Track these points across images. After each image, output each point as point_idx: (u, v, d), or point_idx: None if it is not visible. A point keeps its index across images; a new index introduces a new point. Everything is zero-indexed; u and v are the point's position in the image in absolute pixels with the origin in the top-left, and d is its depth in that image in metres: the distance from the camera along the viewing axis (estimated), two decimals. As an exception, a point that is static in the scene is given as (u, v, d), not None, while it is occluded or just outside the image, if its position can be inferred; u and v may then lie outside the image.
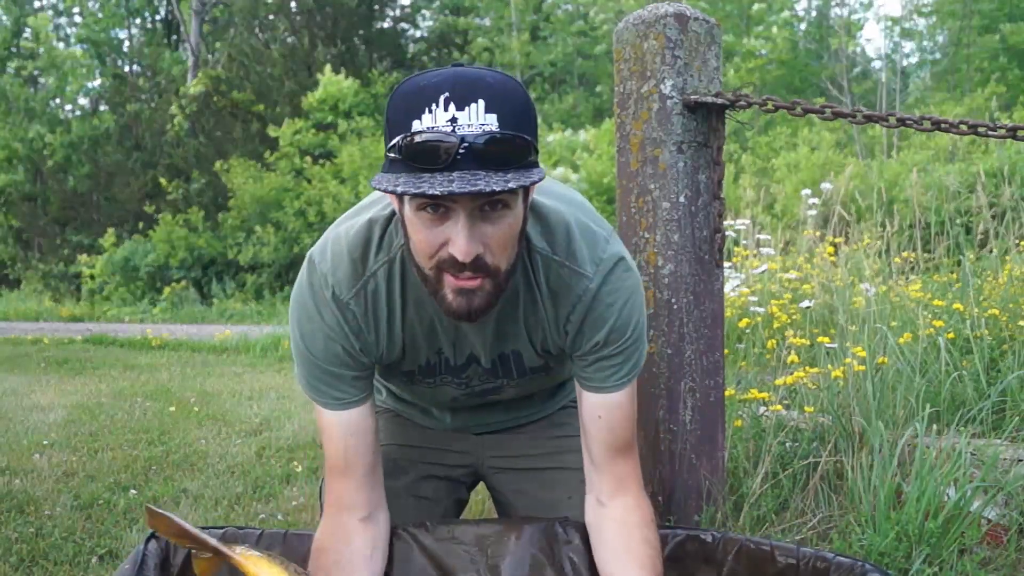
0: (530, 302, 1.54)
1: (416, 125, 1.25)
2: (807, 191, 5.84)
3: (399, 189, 1.22)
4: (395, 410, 1.97)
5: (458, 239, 1.29)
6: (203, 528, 1.64)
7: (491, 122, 1.25)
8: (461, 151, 1.23)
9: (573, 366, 1.62)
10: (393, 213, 1.51)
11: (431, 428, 1.94)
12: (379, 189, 1.25)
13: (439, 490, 1.94)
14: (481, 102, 1.25)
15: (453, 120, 1.24)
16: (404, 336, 1.56)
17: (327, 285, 1.50)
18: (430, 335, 1.58)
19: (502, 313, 1.54)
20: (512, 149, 1.25)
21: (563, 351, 1.60)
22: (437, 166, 1.23)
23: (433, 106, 1.25)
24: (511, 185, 1.21)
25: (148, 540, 1.55)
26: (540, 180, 1.27)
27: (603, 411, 1.60)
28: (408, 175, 1.25)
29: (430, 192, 1.21)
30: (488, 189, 1.20)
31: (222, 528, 1.64)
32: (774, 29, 22.27)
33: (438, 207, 1.29)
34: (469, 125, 1.24)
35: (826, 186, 5.48)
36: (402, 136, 1.26)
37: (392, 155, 1.28)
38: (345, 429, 1.57)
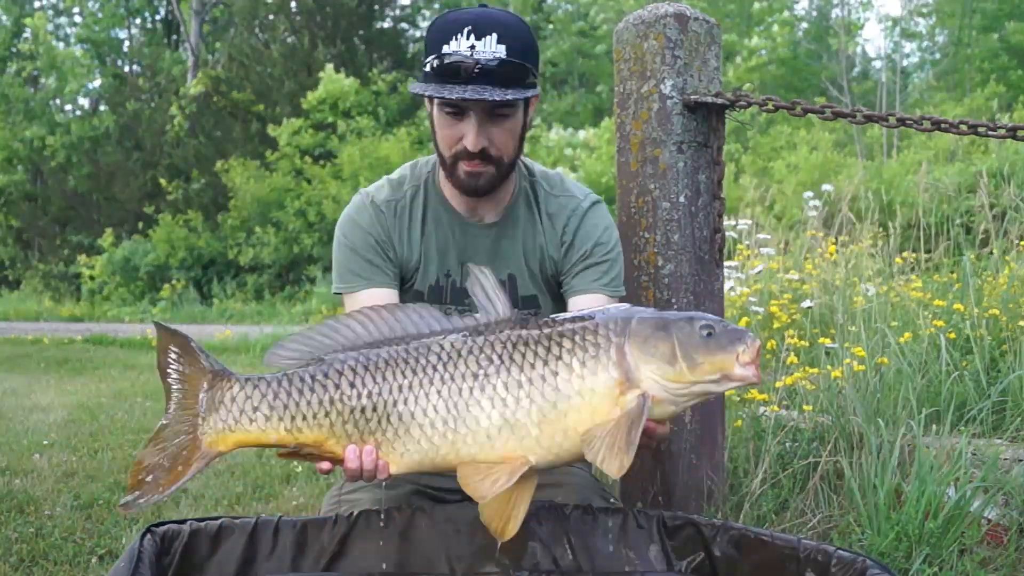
0: (529, 224, 1.97)
1: (444, 48, 1.74)
2: (809, 193, 5.83)
3: (428, 92, 1.76)
4: None
5: (470, 134, 1.79)
6: (200, 520, 1.64)
7: (501, 51, 1.73)
8: (476, 70, 1.72)
9: (564, 287, 1.96)
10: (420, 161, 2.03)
11: None
12: (414, 92, 1.77)
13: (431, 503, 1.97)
14: (495, 35, 1.73)
15: (472, 47, 1.72)
16: (422, 245, 1.95)
17: (368, 197, 1.98)
18: (443, 249, 1.95)
19: (504, 232, 1.96)
20: (514, 71, 1.74)
21: (551, 279, 1.97)
22: (458, 80, 1.73)
23: (458, 35, 1.73)
24: (508, 97, 1.71)
25: (144, 536, 1.55)
26: (535, 96, 1.79)
27: (586, 304, 1.85)
28: (436, 85, 1.75)
29: (449, 96, 1.73)
30: (491, 99, 1.71)
31: (218, 519, 1.65)
32: (775, 28, 22.26)
33: (457, 111, 1.78)
34: (483, 51, 1.72)
35: (827, 187, 5.48)
36: (434, 56, 1.75)
37: (426, 70, 1.78)
38: (368, 296, 1.87)
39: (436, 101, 1.81)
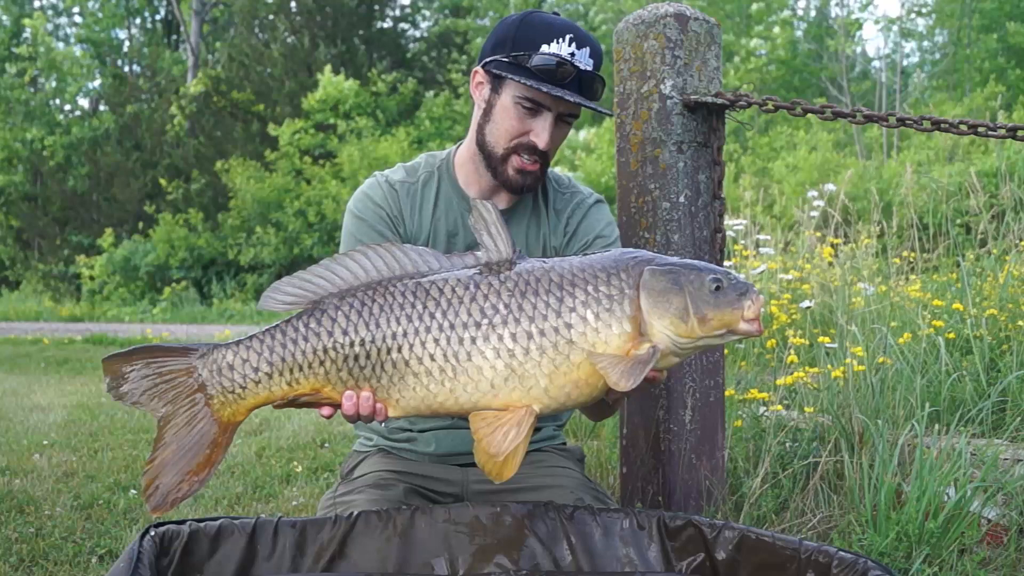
0: (536, 217, 2.04)
1: (545, 48, 1.82)
2: (813, 192, 5.83)
3: (533, 85, 1.81)
4: (385, 447, 2.08)
5: (543, 133, 1.86)
6: (200, 520, 1.64)
7: (591, 64, 1.86)
8: (571, 77, 1.82)
9: None
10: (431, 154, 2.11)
11: (417, 460, 2.04)
12: (505, 75, 1.85)
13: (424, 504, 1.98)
14: (588, 48, 1.86)
15: (572, 54, 1.83)
16: (432, 226, 2.00)
17: (382, 177, 2.04)
18: (452, 231, 2.00)
19: (511, 220, 2.00)
20: (598, 85, 1.88)
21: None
22: (556, 80, 1.82)
23: (560, 40, 1.83)
24: (593, 105, 1.85)
25: (143, 536, 1.55)
26: (606, 110, 1.93)
27: None
28: (528, 79, 1.82)
29: (551, 92, 1.80)
30: (589, 104, 1.84)
31: (217, 519, 1.65)
32: (776, 29, 22.25)
33: (535, 107, 1.85)
34: (583, 62, 1.84)
35: (830, 187, 5.48)
36: (529, 52, 1.83)
37: (507, 60, 1.85)
38: None
39: (512, 92, 1.87)
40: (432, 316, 1.44)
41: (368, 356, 1.46)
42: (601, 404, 1.71)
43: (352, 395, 1.48)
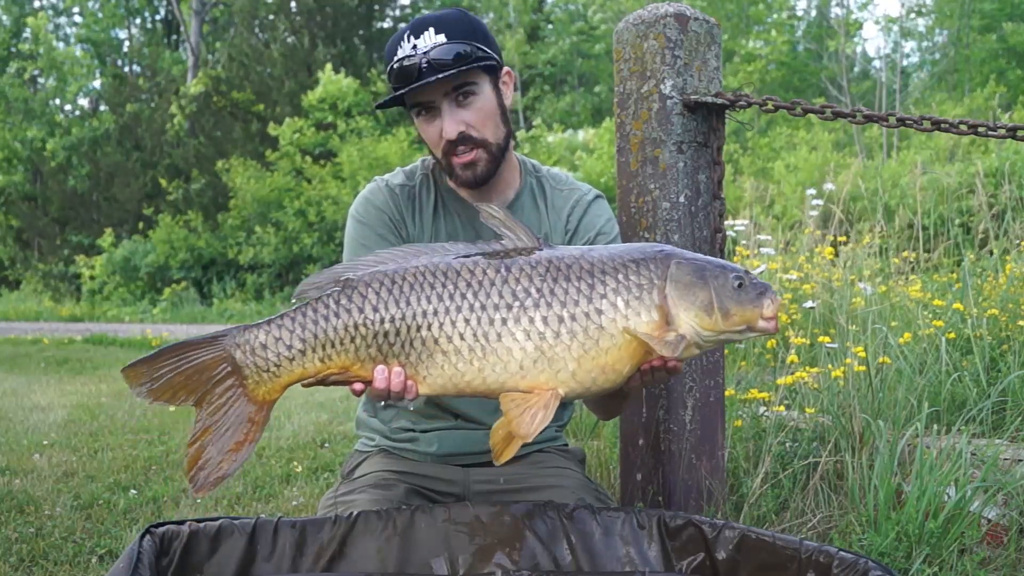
0: (535, 215, 2.02)
1: (394, 59, 1.85)
2: (812, 191, 5.83)
3: (377, 103, 1.90)
4: (387, 448, 2.08)
5: (446, 124, 1.84)
6: (199, 520, 1.64)
7: (440, 40, 1.81)
8: (424, 65, 1.80)
9: None
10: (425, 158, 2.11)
11: (419, 461, 2.04)
12: (376, 106, 1.90)
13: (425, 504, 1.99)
14: (431, 28, 1.83)
15: (414, 47, 1.82)
16: (433, 228, 2.00)
17: (383, 181, 2.03)
18: (452, 234, 2.00)
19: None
20: (461, 51, 1.81)
21: None
22: (411, 81, 1.81)
23: (402, 42, 1.85)
24: (442, 75, 1.77)
25: (143, 537, 1.55)
26: (498, 70, 1.88)
27: None
28: (393, 91, 1.85)
29: (398, 93, 1.83)
30: (440, 78, 1.78)
31: (217, 519, 1.65)
32: (772, 32, 22.25)
33: (428, 109, 1.87)
34: (425, 46, 1.81)
35: (829, 186, 5.48)
36: (389, 70, 1.86)
37: (391, 85, 1.86)
38: None
39: (412, 111, 1.90)
40: (463, 296, 1.46)
41: (398, 333, 1.47)
42: (610, 400, 1.73)
43: (383, 370, 1.48)
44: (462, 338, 1.45)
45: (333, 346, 1.49)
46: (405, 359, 1.48)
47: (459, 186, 1.96)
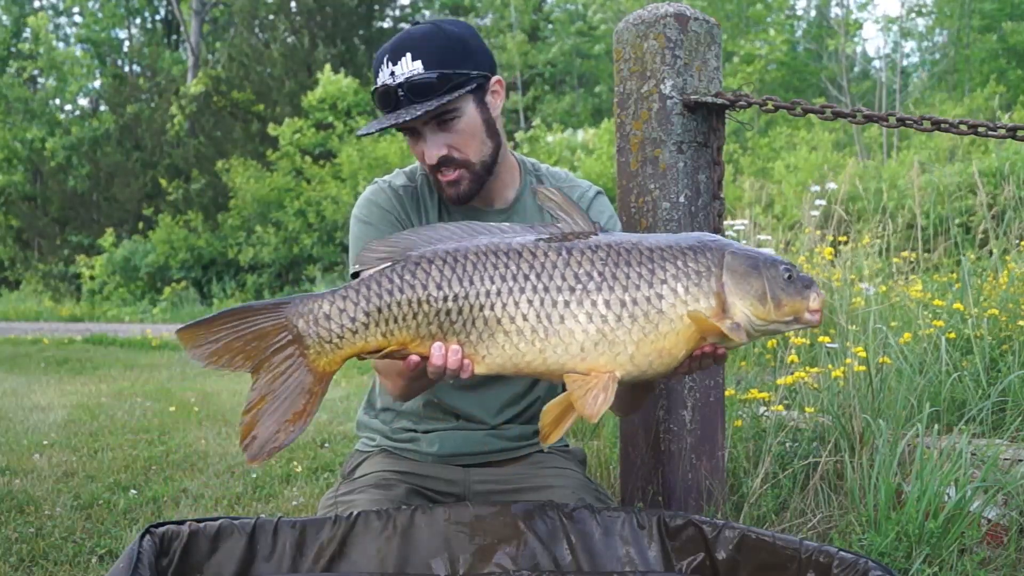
0: (537, 214, 2.00)
1: (376, 83, 1.86)
2: (815, 187, 5.82)
3: (359, 132, 1.90)
4: (388, 448, 2.08)
5: (429, 149, 1.86)
6: (199, 520, 1.64)
7: (417, 67, 1.80)
8: (401, 93, 1.81)
9: None
10: None
11: (419, 461, 2.04)
12: (360, 135, 1.94)
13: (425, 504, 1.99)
14: (408, 54, 1.81)
15: (392, 74, 1.82)
16: None
17: (385, 182, 2.03)
18: None
19: (513, 218, 1.99)
20: (435, 83, 1.80)
21: None
22: (390, 108, 1.84)
23: (382, 67, 1.85)
24: (418, 113, 1.78)
25: (143, 537, 1.55)
26: (461, 90, 1.81)
27: None
28: (380, 119, 1.87)
29: (374, 129, 1.84)
30: (404, 120, 1.78)
31: (217, 519, 1.65)
32: (771, 32, 22.25)
33: (411, 133, 1.88)
34: (402, 74, 1.81)
35: (831, 186, 5.48)
36: (372, 93, 1.88)
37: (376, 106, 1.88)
38: None
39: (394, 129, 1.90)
40: (527, 277, 1.47)
41: (460, 312, 1.48)
42: (639, 393, 1.77)
43: (441, 347, 1.48)
44: (525, 319, 1.46)
45: (396, 321, 1.49)
46: (465, 338, 1.49)
47: (447, 201, 1.96)
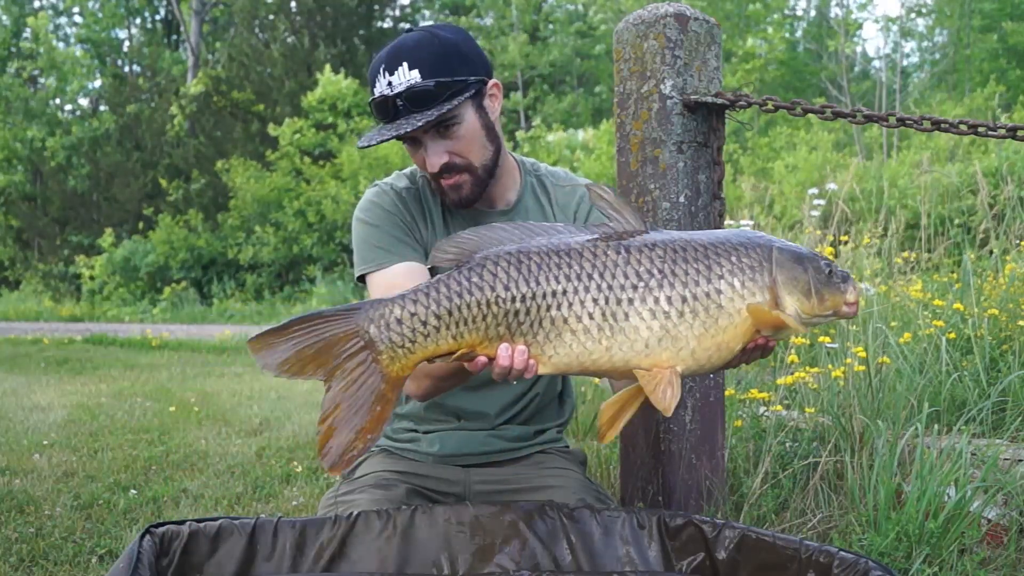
0: (540, 214, 2.03)
1: (373, 93, 1.85)
2: (814, 189, 5.82)
3: (360, 143, 1.87)
4: (388, 448, 2.08)
5: (430, 157, 1.86)
6: (199, 520, 1.64)
7: (414, 76, 1.80)
8: (400, 103, 1.80)
9: None
10: None
11: (420, 461, 2.04)
12: (359, 146, 1.89)
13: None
14: (404, 64, 1.80)
15: (390, 84, 1.81)
16: (445, 229, 1.98)
17: (387, 184, 2.02)
18: None
19: (515, 220, 1.95)
20: (434, 88, 1.79)
21: None
22: (388, 118, 1.83)
23: (378, 77, 1.84)
24: (419, 123, 1.77)
25: (143, 537, 1.54)
26: (459, 98, 1.80)
27: None
28: (377, 129, 1.88)
29: (375, 141, 1.83)
30: (406, 131, 1.78)
31: (217, 519, 1.65)
32: (769, 30, 22.26)
33: (411, 141, 1.87)
34: (399, 84, 1.80)
35: (831, 186, 5.47)
36: (370, 102, 1.87)
37: (374, 115, 1.88)
38: (402, 270, 1.89)
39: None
40: (590, 276, 1.48)
41: (528, 312, 1.49)
42: None
43: (508, 347, 1.48)
44: (591, 317, 1.48)
45: (466, 323, 1.49)
46: (532, 338, 1.49)
47: (450, 206, 1.96)
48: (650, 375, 1.48)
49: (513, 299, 1.48)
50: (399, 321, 1.49)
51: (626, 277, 1.48)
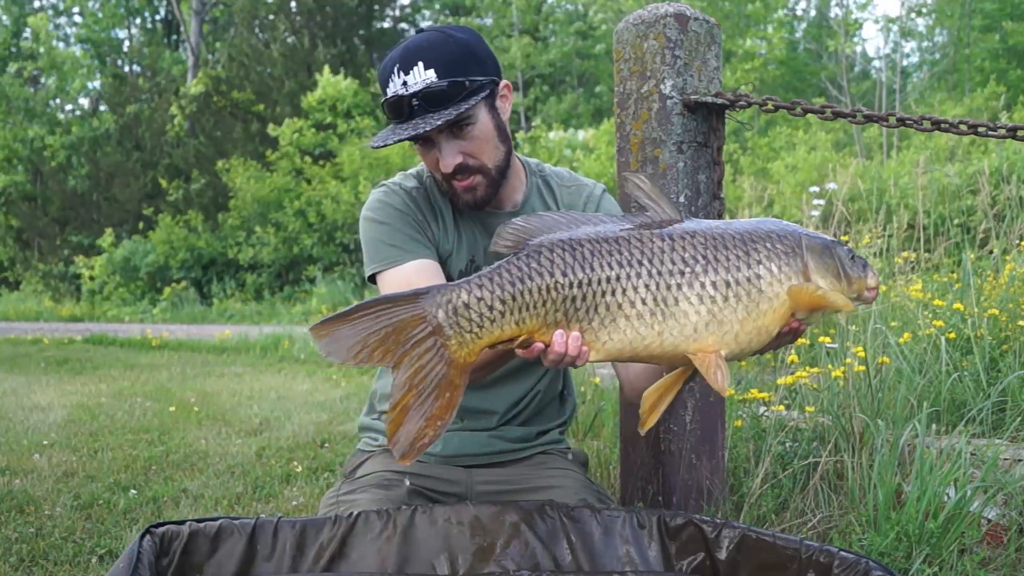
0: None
1: (386, 92, 1.82)
2: (815, 188, 5.82)
3: (373, 143, 1.84)
4: (389, 448, 2.03)
5: (445, 158, 1.84)
6: (199, 520, 1.63)
7: (430, 76, 1.78)
8: (415, 103, 1.78)
9: None
10: None
11: (422, 461, 2.03)
12: (374, 147, 1.84)
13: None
14: (420, 63, 1.78)
15: (404, 84, 1.79)
16: (455, 232, 1.98)
17: (395, 184, 2.00)
18: (471, 237, 1.99)
19: None
20: (450, 88, 1.78)
21: None
22: (403, 118, 1.81)
23: (392, 76, 1.81)
24: (439, 123, 1.75)
25: (143, 537, 1.54)
26: (475, 97, 1.78)
27: None
28: (390, 128, 1.84)
29: (392, 141, 1.80)
30: (423, 130, 1.75)
31: (217, 519, 1.64)
32: (769, 29, 22.25)
33: (423, 141, 1.84)
34: (415, 83, 1.78)
35: (831, 185, 5.47)
36: (383, 102, 1.84)
37: (386, 114, 1.85)
38: (415, 268, 1.88)
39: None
40: (640, 263, 1.51)
41: (584, 298, 1.50)
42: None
43: (563, 334, 1.49)
44: (644, 303, 1.50)
45: (528, 309, 1.50)
46: (587, 324, 1.51)
47: (462, 208, 1.94)
48: (702, 359, 1.51)
49: (571, 285, 1.49)
50: (467, 306, 1.49)
51: (673, 263, 1.51)
